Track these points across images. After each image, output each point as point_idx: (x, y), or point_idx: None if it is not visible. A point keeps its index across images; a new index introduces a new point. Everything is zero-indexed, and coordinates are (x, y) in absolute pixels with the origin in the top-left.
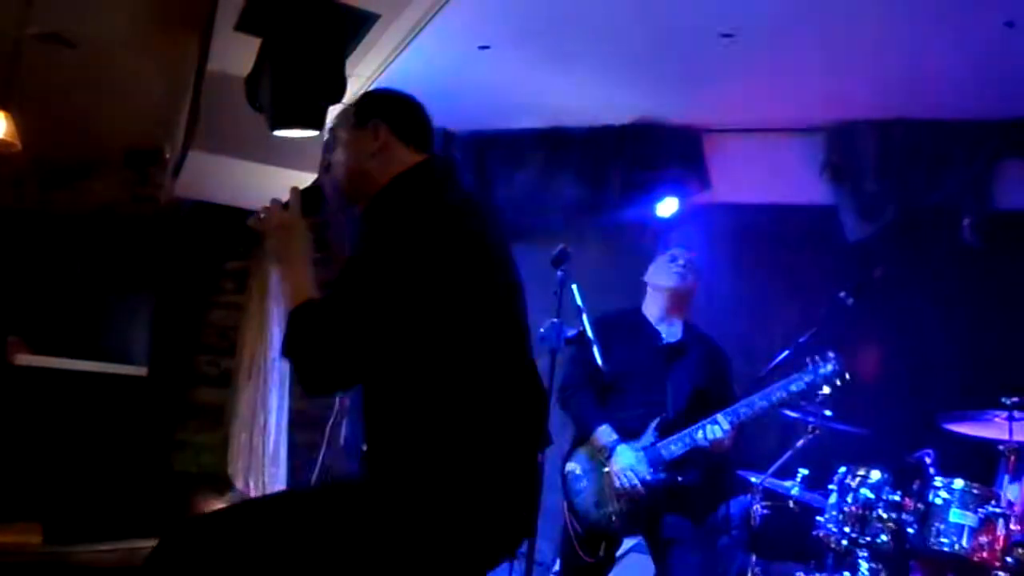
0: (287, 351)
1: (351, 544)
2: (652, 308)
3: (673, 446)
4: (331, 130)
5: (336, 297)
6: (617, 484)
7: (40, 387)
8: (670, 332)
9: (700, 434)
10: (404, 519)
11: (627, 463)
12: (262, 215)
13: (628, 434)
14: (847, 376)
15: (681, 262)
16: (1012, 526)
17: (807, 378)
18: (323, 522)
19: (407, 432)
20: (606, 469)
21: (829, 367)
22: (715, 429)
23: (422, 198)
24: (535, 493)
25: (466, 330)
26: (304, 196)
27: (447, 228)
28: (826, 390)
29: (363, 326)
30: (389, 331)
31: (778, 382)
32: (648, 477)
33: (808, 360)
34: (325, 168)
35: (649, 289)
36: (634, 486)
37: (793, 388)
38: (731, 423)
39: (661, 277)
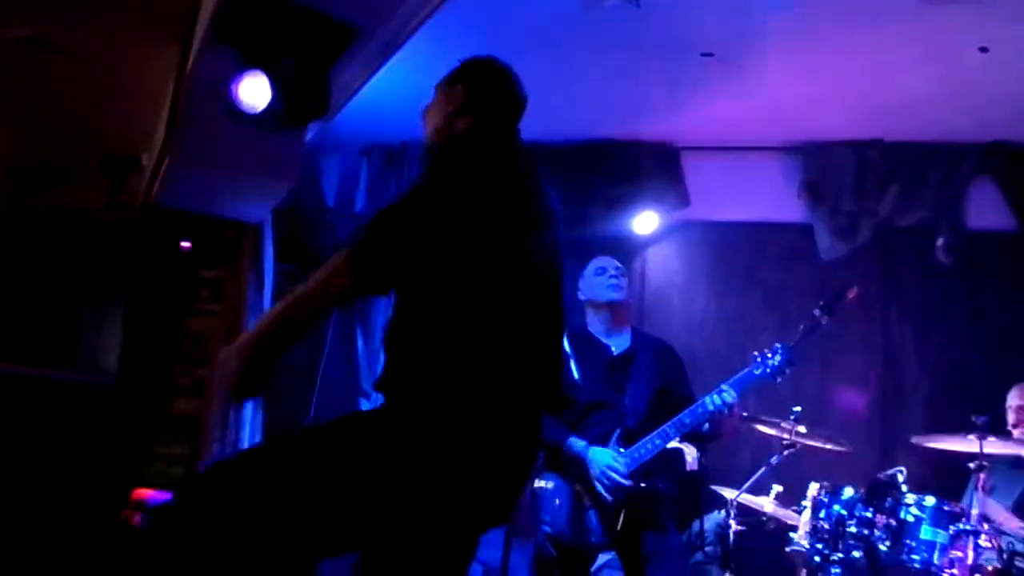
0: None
1: (361, 475)
2: (596, 325)
3: (637, 453)
4: (436, 85)
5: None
6: (599, 488)
7: (7, 396)
8: (618, 343)
9: (658, 440)
10: (416, 454)
11: (604, 462)
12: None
13: None
14: (794, 364)
15: (611, 273)
16: (982, 543)
17: (756, 371)
18: (338, 456)
19: (426, 366)
20: (578, 487)
21: (777, 358)
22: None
23: (472, 158)
24: (533, 457)
25: (493, 282)
26: None
27: (490, 185)
28: (778, 381)
29: (393, 231)
30: (414, 249)
31: (728, 380)
32: (626, 471)
33: (756, 354)
34: (424, 115)
35: (589, 308)
36: (616, 483)
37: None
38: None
39: (598, 293)
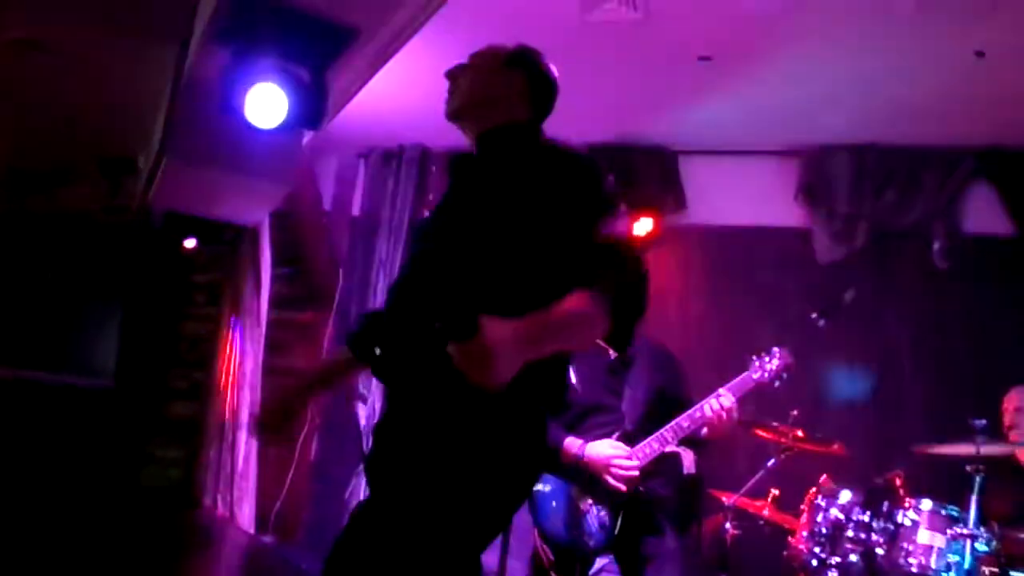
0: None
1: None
2: None
3: (635, 457)
4: (477, 55)
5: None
6: (610, 480)
7: (5, 399)
8: None
9: (656, 444)
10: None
11: (607, 454)
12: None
13: None
14: (792, 368)
15: None
16: (979, 547)
17: (755, 375)
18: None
19: None
20: (575, 489)
21: (775, 362)
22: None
23: (558, 154)
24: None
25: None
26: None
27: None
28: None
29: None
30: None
31: (726, 384)
32: (630, 456)
33: (754, 358)
34: (451, 77)
35: None
36: (628, 470)
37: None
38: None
39: None
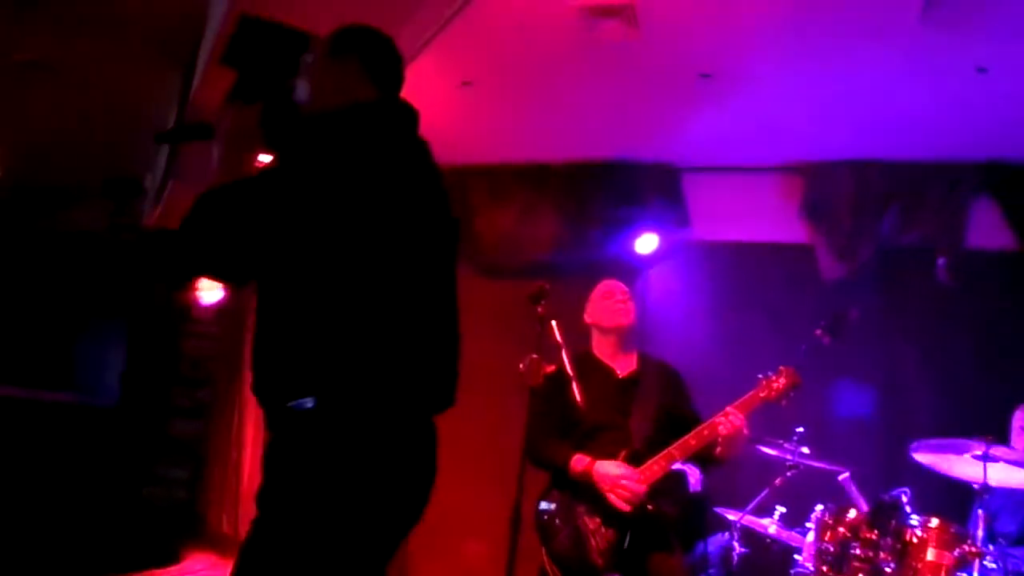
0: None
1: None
2: (603, 347)
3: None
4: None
5: (227, 189)
6: (614, 499)
7: (7, 418)
8: (624, 366)
9: (663, 462)
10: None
11: (614, 474)
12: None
13: None
14: (799, 386)
15: (618, 297)
16: (987, 564)
17: (762, 394)
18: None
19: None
20: (582, 507)
21: (781, 381)
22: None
23: (357, 134)
24: (433, 458)
25: (364, 276)
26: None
27: (367, 169)
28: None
29: (235, 219)
30: (263, 239)
31: (734, 403)
32: (636, 478)
33: (760, 376)
34: (289, 85)
35: (595, 331)
36: (633, 491)
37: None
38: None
39: (604, 317)
